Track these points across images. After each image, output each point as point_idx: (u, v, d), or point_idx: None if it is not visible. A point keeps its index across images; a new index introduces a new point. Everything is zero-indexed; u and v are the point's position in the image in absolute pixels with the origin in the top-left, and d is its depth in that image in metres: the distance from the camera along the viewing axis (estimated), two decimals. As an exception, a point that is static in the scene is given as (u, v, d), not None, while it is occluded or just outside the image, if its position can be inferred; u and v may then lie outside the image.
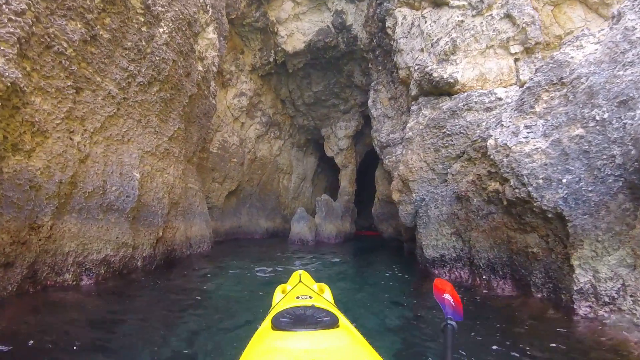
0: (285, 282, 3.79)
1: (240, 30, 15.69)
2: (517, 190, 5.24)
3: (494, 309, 5.17)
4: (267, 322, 2.21)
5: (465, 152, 7.38)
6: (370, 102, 13.83)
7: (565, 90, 5.31)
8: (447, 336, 1.71)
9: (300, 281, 3.35)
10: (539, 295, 5.05)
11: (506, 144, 5.78)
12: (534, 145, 5.21)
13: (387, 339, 3.80)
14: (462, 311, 2.21)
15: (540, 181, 4.90)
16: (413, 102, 9.42)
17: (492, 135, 6.25)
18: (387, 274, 8.53)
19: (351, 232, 20.20)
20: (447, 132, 7.71)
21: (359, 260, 10.59)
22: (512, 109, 6.30)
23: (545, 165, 4.94)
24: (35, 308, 4.10)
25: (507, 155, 5.69)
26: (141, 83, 6.91)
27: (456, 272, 7.26)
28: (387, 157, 11.71)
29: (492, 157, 6.03)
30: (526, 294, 5.29)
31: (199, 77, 9.67)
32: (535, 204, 4.88)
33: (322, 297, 2.95)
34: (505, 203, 5.75)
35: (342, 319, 2.17)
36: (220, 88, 16.20)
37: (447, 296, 2.26)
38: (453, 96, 8.10)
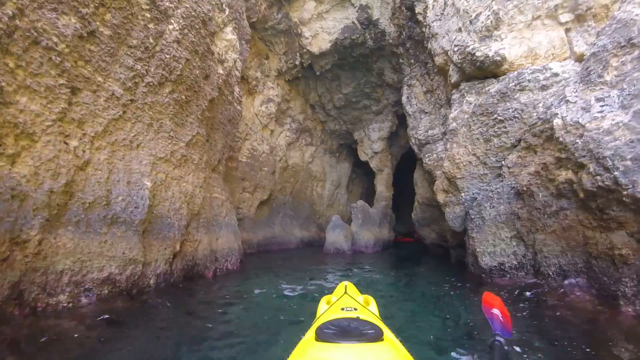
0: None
1: (264, 35, 15.17)
2: (598, 177, 4.25)
3: (572, 328, 4.19)
4: (311, 332, 2.16)
5: (523, 140, 6.42)
6: (404, 99, 12.93)
7: (637, 52, 4.33)
8: (494, 353, 1.56)
9: (345, 292, 3.26)
10: (630, 309, 4.01)
11: (578, 122, 4.81)
12: (613, 120, 4.23)
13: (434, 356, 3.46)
14: (511, 327, 2.10)
15: (629, 162, 3.90)
16: (454, 91, 8.51)
17: (557, 114, 5.28)
18: (435, 287, 7.54)
19: (389, 239, 19.18)
20: (499, 117, 6.77)
21: (401, 271, 9.65)
22: (575, 82, 5.34)
23: (632, 142, 3.93)
24: (14, 339, 3.47)
25: (581, 136, 4.71)
26: (151, 83, 6.34)
27: (518, 282, 6.26)
28: (427, 156, 10.77)
29: (561, 139, 5.06)
30: (612, 308, 4.24)
31: (220, 80, 9.13)
32: (624, 192, 3.88)
33: (368, 309, 2.84)
34: (581, 195, 4.77)
35: (387, 332, 2.09)
36: (246, 95, 15.74)
37: (495, 311, 2.15)
38: (500, 77, 7.16)
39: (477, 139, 7.21)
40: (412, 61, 12.68)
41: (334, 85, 18.01)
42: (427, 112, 11.68)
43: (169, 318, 4.96)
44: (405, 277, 8.68)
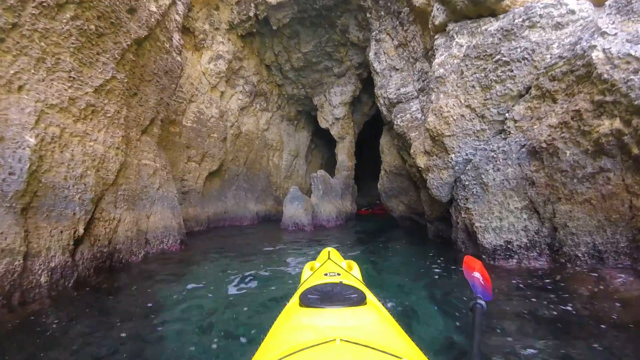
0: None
1: (211, -22, 12.99)
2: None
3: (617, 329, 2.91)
4: (295, 298, 2.16)
5: (534, 86, 5.00)
6: (372, 55, 11.24)
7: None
8: (475, 316, 1.52)
9: (329, 258, 3.21)
10: None
11: (629, 54, 3.42)
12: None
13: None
14: (491, 291, 2.06)
15: None
16: (437, 35, 6.97)
17: (595, 46, 3.84)
18: (422, 270, 5.99)
19: (352, 211, 17.83)
20: (502, 59, 5.29)
21: (374, 250, 8.13)
22: (609, 14, 4.10)
23: None
24: None
25: (638, 71, 3.30)
26: (44, 4, 4.39)
27: (529, 267, 4.91)
28: (398, 117, 9.23)
29: (605, 76, 3.67)
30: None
31: (153, 20, 7.21)
32: None
33: (351, 274, 2.85)
34: (635, 151, 3.39)
35: (370, 296, 2.14)
36: (192, 51, 13.61)
37: (476, 274, 2.12)
38: (501, 15, 5.70)
39: (472, 86, 5.71)
40: (382, 13, 10.96)
41: (293, 44, 16.04)
42: (398, 69, 10.09)
43: (55, 345, 3.18)
44: (381, 259, 7.20)
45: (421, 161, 7.06)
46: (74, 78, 5.09)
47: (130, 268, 5.95)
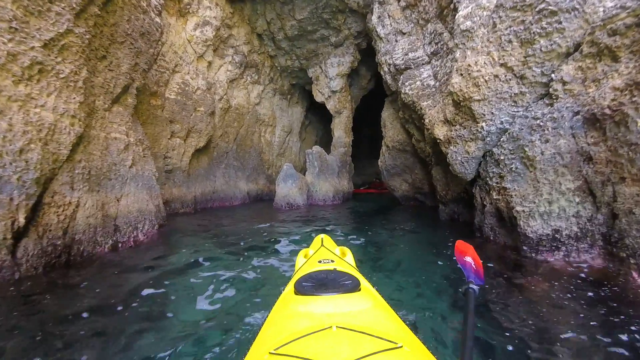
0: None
1: None
2: None
3: None
4: (290, 286, 2.20)
5: (588, 42, 4.03)
6: (374, 20, 10.12)
7: None
8: (468, 300, 1.49)
9: (322, 245, 3.20)
10: None
11: None
12: None
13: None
14: (482, 275, 1.93)
15: None
16: (460, -15, 5.88)
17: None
18: (443, 268, 4.79)
19: (349, 190, 16.86)
20: (548, 8, 4.24)
21: (378, 236, 7.12)
22: None
23: None
24: None
25: None
26: None
27: (578, 259, 4.02)
28: (406, 84, 8.20)
29: None
30: None
31: (124, -30, 6.10)
32: None
33: (344, 260, 2.85)
34: None
35: (364, 283, 2.16)
36: (176, 17, 12.35)
37: (468, 259, 2.03)
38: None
39: (509, 41, 4.69)
40: (386, -29, 9.82)
41: (286, 10, 14.77)
42: (405, 33, 8.99)
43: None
44: (385, 244, 6.26)
45: (440, 132, 6.07)
46: (15, 29, 3.99)
47: (93, 261, 4.93)
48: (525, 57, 4.57)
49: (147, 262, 5.11)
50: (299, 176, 13.28)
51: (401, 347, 1.25)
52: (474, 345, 1.35)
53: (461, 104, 5.27)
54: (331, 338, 1.34)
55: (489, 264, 4.57)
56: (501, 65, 4.76)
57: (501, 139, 4.90)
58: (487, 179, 5.19)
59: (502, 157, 4.83)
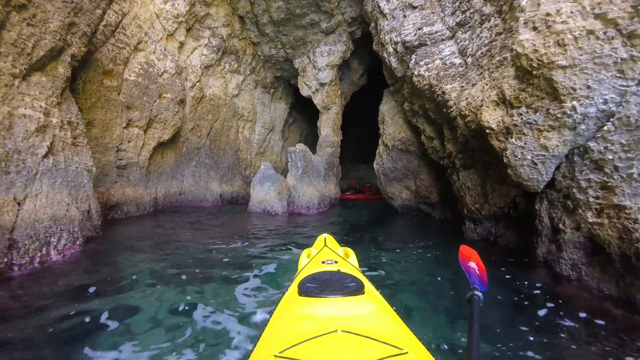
0: None
1: None
2: None
3: None
4: (293, 287, 2.20)
5: None
6: (377, -7, 8.44)
7: None
8: (473, 307, 1.51)
9: (325, 245, 3.18)
10: None
11: None
12: None
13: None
14: (486, 281, 2.02)
15: None
16: None
17: None
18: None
19: (336, 196, 15.03)
20: None
21: (390, 258, 5.38)
22: None
23: None
24: None
25: None
26: None
27: None
28: (421, 64, 6.50)
29: None
30: None
31: None
32: None
33: (348, 262, 2.83)
34: None
35: (368, 285, 2.15)
36: (143, -15, 10.51)
37: (472, 264, 2.10)
38: None
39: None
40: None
41: (272, -11, 13.03)
42: (416, 7, 7.30)
43: None
44: (404, 276, 4.53)
45: (493, 117, 4.34)
46: None
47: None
48: (636, 6, 2.92)
49: (37, 300, 3.28)
50: (278, 178, 11.41)
51: (406, 353, 1.22)
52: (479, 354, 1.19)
53: (534, 72, 3.55)
54: (337, 342, 1.33)
55: (568, 322, 2.91)
56: (596, 16, 3.09)
57: (604, 128, 3.22)
58: (573, 190, 3.52)
59: (608, 157, 3.15)
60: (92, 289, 3.66)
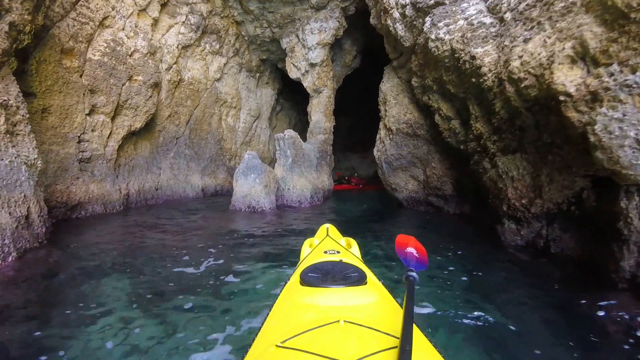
0: None
1: None
2: None
3: None
4: (295, 276, 2.17)
5: None
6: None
7: None
8: (408, 287, 1.55)
9: (327, 235, 3.07)
10: None
11: None
12: None
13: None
14: (427, 259, 2.22)
15: None
16: None
17: None
18: None
19: (330, 187, 13.89)
20: None
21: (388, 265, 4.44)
22: None
23: None
24: None
25: None
26: None
27: None
28: (440, 26, 5.44)
29: None
30: None
31: None
32: None
33: (350, 252, 2.77)
34: None
35: (370, 276, 2.10)
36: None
37: (410, 249, 2.24)
38: None
39: None
40: None
41: (256, -41, 11.86)
42: (425, -32, 6.24)
43: None
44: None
45: (569, 79, 3.32)
46: None
47: None
48: None
49: None
50: (265, 169, 10.26)
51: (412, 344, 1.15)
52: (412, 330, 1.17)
53: (632, 15, 2.55)
54: (339, 333, 1.35)
55: None
56: None
57: None
58: None
59: None
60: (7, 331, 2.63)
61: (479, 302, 3.34)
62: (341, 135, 25.81)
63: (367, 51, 15.89)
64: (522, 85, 4.10)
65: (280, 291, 2.13)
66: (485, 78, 4.64)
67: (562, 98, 3.39)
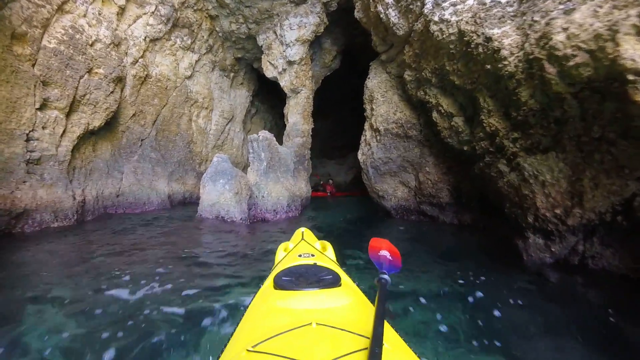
0: None
1: None
2: None
3: None
4: (269, 280, 2.25)
5: None
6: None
7: None
8: (380, 290, 1.63)
9: (302, 239, 3.18)
10: None
11: None
12: None
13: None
14: (400, 262, 2.26)
15: None
16: None
17: None
18: None
19: (307, 195, 13.24)
20: None
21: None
22: None
23: None
24: None
25: None
26: None
27: None
28: (446, 5, 4.91)
29: None
30: None
31: None
32: None
33: (325, 255, 2.86)
34: None
35: (344, 277, 2.20)
36: None
37: (383, 252, 2.27)
38: None
39: None
40: None
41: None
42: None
43: None
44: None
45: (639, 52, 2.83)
46: None
47: None
48: None
49: None
50: (236, 173, 9.34)
51: (383, 345, 1.18)
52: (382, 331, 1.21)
53: None
54: (311, 335, 1.35)
55: None
56: None
57: None
58: None
59: None
60: None
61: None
62: (318, 141, 25.24)
63: (347, 53, 15.47)
64: (571, 63, 3.49)
65: (254, 296, 2.12)
66: (506, 63, 4.11)
67: (630, 77, 2.87)
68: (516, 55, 4.04)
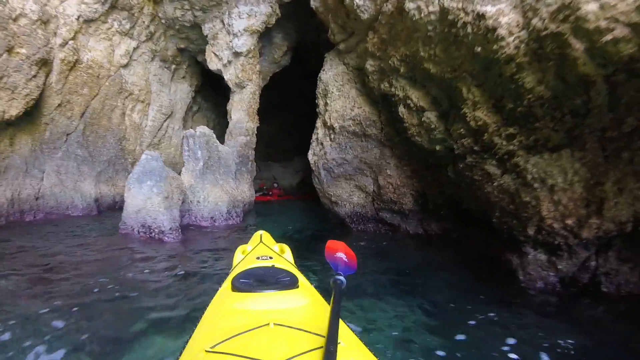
0: None
1: None
2: None
3: None
4: (227, 283, 2.30)
5: None
6: None
7: None
8: (335, 290, 1.68)
9: (261, 241, 3.32)
10: None
11: None
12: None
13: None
14: (355, 264, 2.33)
15: None
16: None
17: None
18: None
19: (251, 200, 12.59)
20: None
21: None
22: None
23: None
24: None
25: None
26: None
27: None
28: None
29: None
30: None
31: None
32: None
33: (283, 257, 2.98)
34: None
35: (302, 279, 2.27)
36: None
37: (339, 254, 2.33)
38: None
39: None
40: None
41: None
42: None
43: None
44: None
45: None
46: None
47: None
48: None
49: None
50: (167, 174, 8.11)
51: (339, 343, 1.23)
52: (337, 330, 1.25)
53: None
54: (268, 335, 1.38)
55: None
56: None
57: None
58: None
59: None
60: None
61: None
62: (262, 144, 24.66)
63: (297, 51, 15.21)
64: (607, 37, 2.90)
65: (211, 299, 2.14)
66: (503, 44, 3.60)
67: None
68: (516, 35, 3.55)
